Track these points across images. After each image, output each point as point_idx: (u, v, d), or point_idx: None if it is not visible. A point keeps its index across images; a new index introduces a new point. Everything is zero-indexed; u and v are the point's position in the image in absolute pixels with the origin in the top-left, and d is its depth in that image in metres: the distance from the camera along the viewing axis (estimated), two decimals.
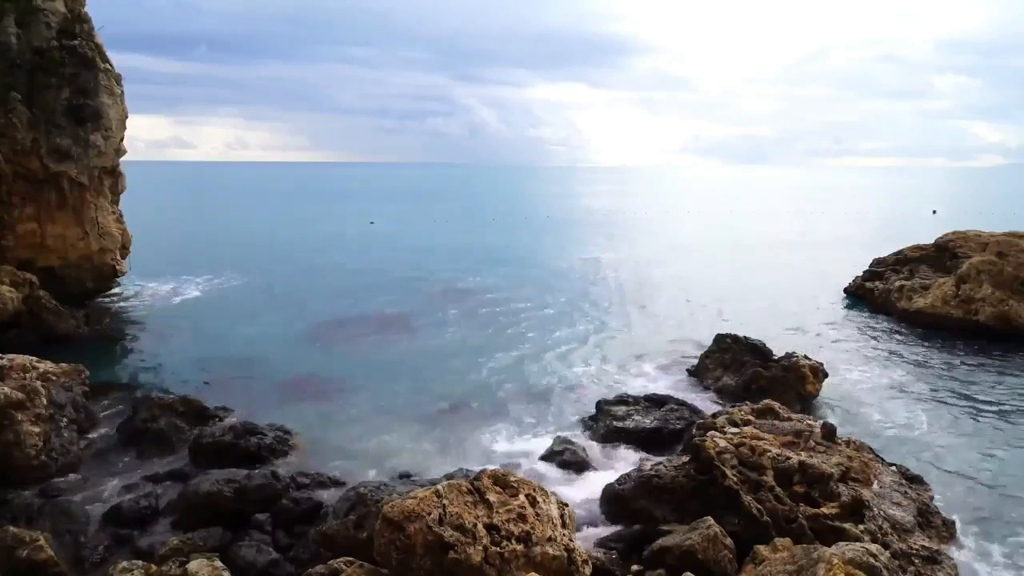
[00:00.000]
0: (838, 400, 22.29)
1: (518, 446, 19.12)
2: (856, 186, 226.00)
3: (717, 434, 14.93)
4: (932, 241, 37.43)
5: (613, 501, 14.50)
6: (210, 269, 44.80)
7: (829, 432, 15.57)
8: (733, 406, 18.26)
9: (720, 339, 25.26)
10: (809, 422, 16.38)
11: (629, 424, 19.13)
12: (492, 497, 10.85)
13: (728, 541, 12.20)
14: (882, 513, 13.17)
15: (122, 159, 34.38)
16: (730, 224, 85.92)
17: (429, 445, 19.05)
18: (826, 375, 22.81)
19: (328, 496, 15.01)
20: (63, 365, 19.34)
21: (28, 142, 29.32)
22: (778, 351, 23.98)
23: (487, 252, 56.89)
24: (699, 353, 25.85)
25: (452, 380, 24.30)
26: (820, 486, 13.35)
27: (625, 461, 17.88)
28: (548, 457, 17.53)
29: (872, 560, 9.95)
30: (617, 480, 15.21)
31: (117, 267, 34.10)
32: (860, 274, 38.84)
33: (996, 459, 18.09)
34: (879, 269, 37.99)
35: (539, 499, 11.17)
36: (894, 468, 15.54)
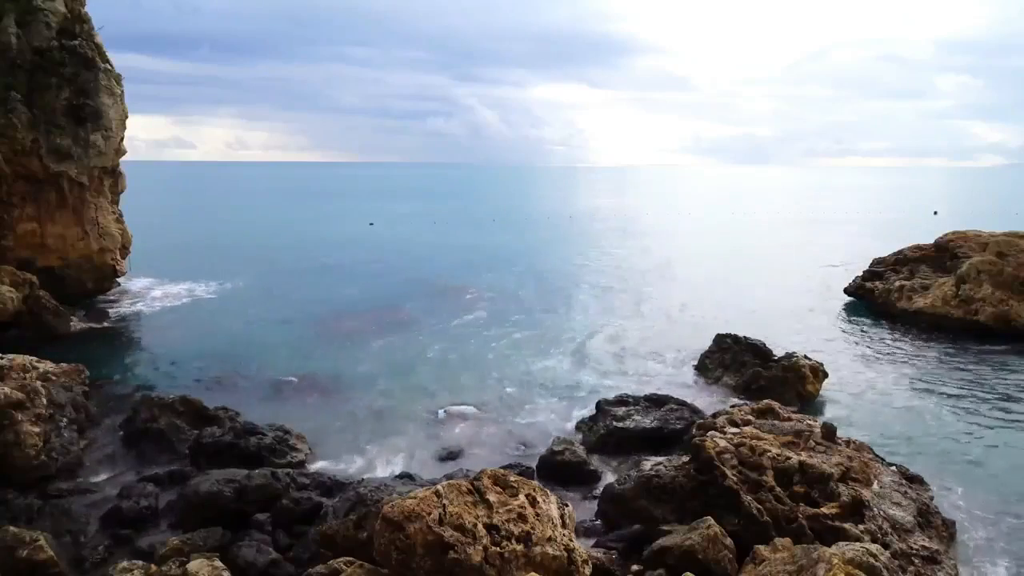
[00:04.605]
0: (838, 400, 22.29)
1: (518, 446, 19.15)
2: (856, 186, 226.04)
3: (717, 434, 14.92)
4: (932, 241, 37.40)
5: (613, 501, 14.49)
6: (210, 269, 44.78)
7: (829, 432, 15.57)
8: (733, 406, 18.27)
9: (720, 339, 25.29)
10: (809, 422, 16.37)
11: (629, 424, 19.12)
12: (492, 497, 10.84)
13: (728, 541, 12.19)
14: (882, 513, 13.16)
15: (122, 159, 34.40)
16: (730, 224, 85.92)
17: (429, 445, 19.07)
18: (826, 375, 22.82)
19: (328, 496, 15.01)
20: (63, 365, 19.35)
21: (28, 142, 29.32)
22: (778, 351, 24.01)
23: (487, 253, 56.89)
24: (699, 353, 25.87)
25: (452, 380, 24.31)
26: (820, 486, 13.35)
27: (625, 461, 17.89)
28: (548, 457, 17.52)
29: (872, 560, 9.94)
30: (617, 480, 15.21)
31: (117, 267, 34.11)
32: (860, 274, 38.81)
33: (996, 459, 18.09)
34: (879, 269, 37.95)
35: (539, 499, 11.16)
36: (894, 468, 15.53)
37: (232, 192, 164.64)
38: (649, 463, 15.45)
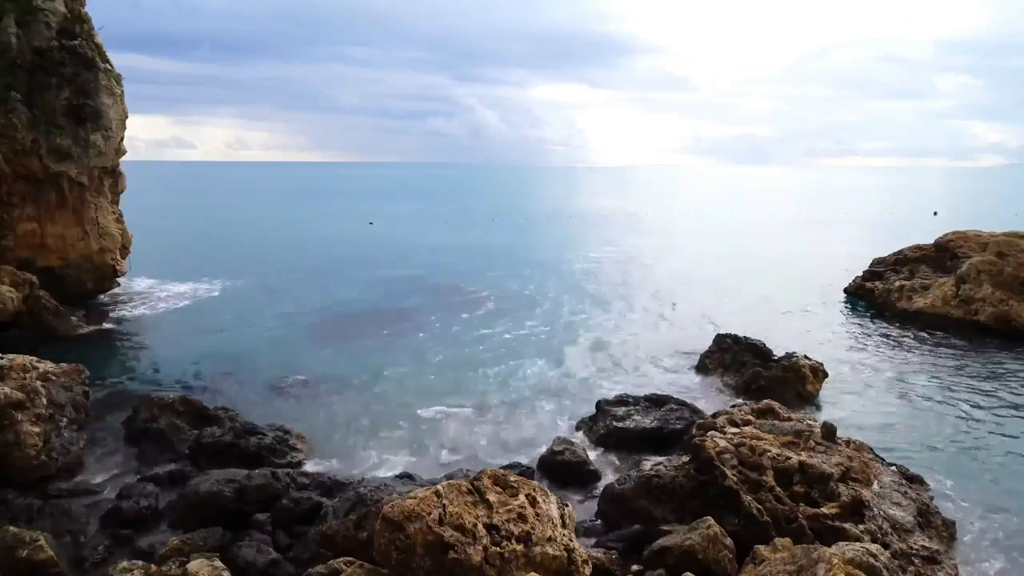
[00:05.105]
0: (838, 400, 22.28)
1: (518, 445, 19.14)
2: (856, 186, 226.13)
3: (717, 434, 14.92)
4: (932, 241, 37.43)
5: (613, 501, 14.49)
6: (209, 269, 44.79)
7: (829, 432, 15.56)
8: (733, 406, 18.26)
9: (720, 339, 25.31)
10: (809, 422, 16.37)
11: (629, 424, 19.12)
12: (492, 497, 10.83)
13: (728, 541, 12.19)
14: (882, 513, 13.16)
15: (122, 159, 34.38)
16: (730, 224, 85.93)
17: (429, 445, 19.07)
18: (826, 375, 22.82)
19: (328, 496, 15.01)
20: (63, 365, 19.33)
21: (28, 142, 29.31)
22: (778, 351, 24.01)
23: (487, 252, 56.91)
24: (699, 353, 25.87)
25: (452, 380, 24.31)
26: (820, 486, 13.35)
27: (625, 461, 17.89)
28: (548, 457, 17.52)
29: (872, 560, 9.94)
30: (617, 480, 15.20)
31: (117, 267, 34.09)
32: (860, 274, 38.85)
33: (996, 459, 18.10)
34: (879, 269, 37.99)
35: (539, 499, 11.15)
36: (894, 468, 15.54)
37: (232, 192, 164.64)
38: (649, 463, 15.44)
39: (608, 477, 16.88)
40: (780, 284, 42.31)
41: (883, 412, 21.38)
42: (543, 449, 18.06)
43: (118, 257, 33.93)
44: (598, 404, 20.58)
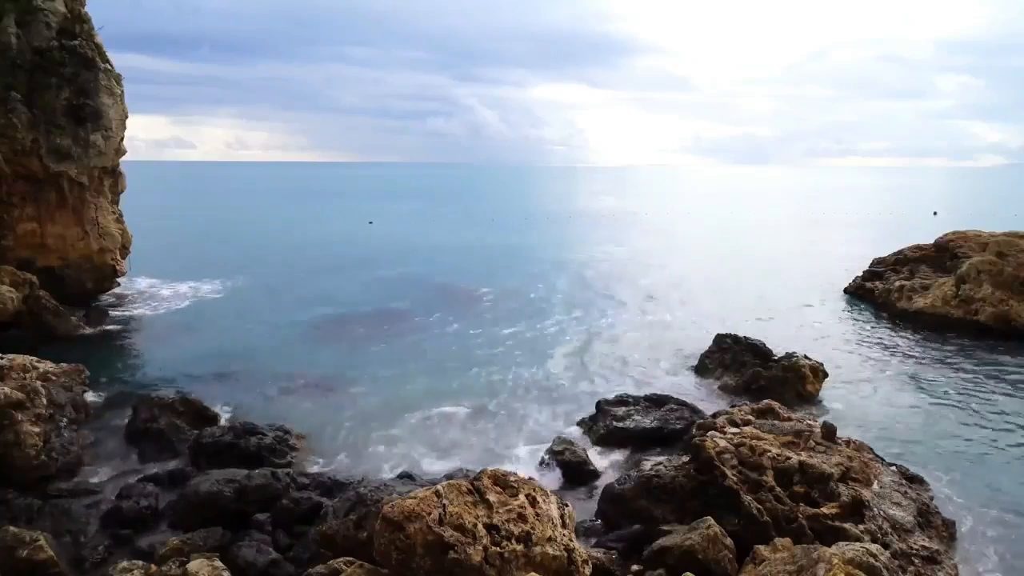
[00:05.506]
0: (838, 400, 22.27)
1: (518, 446, 19.15)
2: (856, 186, 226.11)
3: (717, 434, 14.93)
4: (932, 241, 37.43)
5: (613, 501, 14.50)
6: (210, 269, 44.77)
7: (829, 432, 15.57)
8: (733, 406, 18.27)
9: (720, 339, 25.31)
10: (809, 422, 16.38)
11: (629, 424, 19.13)
12: (492, 497, 10.83)
13: (728, 541, 12.19)
14: (882, 513, 13.17)
15: (122, 159, 34.38)
16: (730, 224, 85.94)
17: (429, 445, 19.07)
18: (826, 375, 22.82)
19: (328, 496, 15.02)
20: (63, 365, 19.34)
21: (28, 142, 29.30)
22: (778, 351, 24.01)
23: (486, 252, 56.91)
24: (699, 353, 25.86)
25: (452, 380, 24.30)
26: (820, 486, 13.35)
27: (625, 461, 17.89)
28: (548, 457, 17.54)
29: (872, 560, 9.94)
30: (617, 480, 15.21)
31: (117, 267, 34.09)
32: (860, 274, 38.84)
33: (996, 459, 18.10)
34: (879, 269, 37.99)
35: (539, 499, 11.15)
36: (894, 468, 15.54)
37: (232, 192, 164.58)
38: (649, 463, 15.44)
39: (608, 477, 16.88)
40: (780, 284, 42.29)
41: (883, 412, 21.38)
42: (543, 449, 18.06)
43: (118, 257, 33.92)
44: (598, 404, 20.58)
